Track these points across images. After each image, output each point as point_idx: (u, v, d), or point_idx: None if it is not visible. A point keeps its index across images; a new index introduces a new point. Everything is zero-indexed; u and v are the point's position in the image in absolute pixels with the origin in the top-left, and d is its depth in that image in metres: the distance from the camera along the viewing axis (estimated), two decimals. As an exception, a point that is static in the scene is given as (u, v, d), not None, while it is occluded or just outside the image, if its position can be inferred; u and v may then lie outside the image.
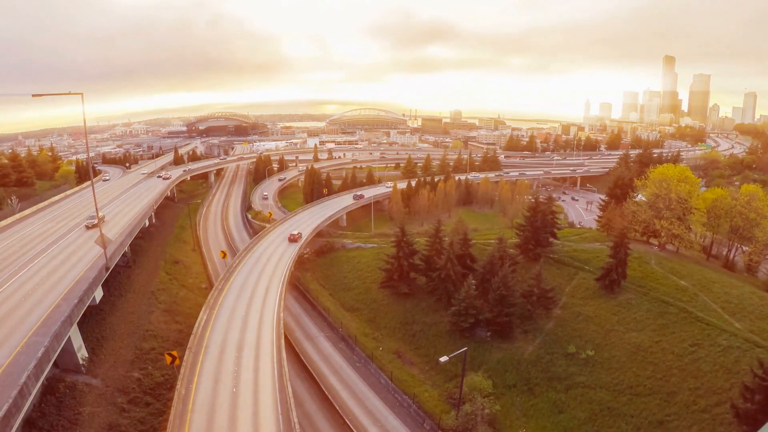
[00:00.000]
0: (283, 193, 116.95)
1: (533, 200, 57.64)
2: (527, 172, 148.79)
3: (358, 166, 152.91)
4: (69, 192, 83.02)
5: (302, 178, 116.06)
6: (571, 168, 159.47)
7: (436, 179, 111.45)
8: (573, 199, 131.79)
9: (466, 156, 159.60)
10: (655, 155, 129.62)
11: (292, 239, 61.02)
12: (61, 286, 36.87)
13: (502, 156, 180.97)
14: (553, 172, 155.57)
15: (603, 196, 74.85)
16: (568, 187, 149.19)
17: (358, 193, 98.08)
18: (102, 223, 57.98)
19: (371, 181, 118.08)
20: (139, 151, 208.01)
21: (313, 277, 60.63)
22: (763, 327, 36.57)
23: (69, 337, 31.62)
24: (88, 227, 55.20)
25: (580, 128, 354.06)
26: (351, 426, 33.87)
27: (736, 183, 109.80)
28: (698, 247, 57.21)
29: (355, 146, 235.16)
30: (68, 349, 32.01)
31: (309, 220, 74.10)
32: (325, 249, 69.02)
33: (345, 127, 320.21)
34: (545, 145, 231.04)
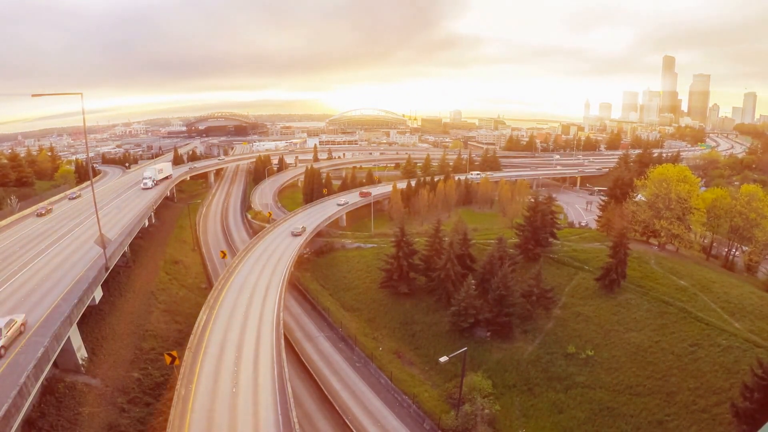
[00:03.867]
0: (283, 193, 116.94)
1: (533, 200, 57.66)
2: (523, 173, 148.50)
3: (358, 166, 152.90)
4: (69, 192, 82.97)
5: (302, 178, 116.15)
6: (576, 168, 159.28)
7: (435, 179, 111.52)
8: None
9: (465, 156, 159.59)
10: (655, 155, 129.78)
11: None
12: (60, 286, 36.89)
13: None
14: (549, 172, 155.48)
15: (602, 196, 74.90)
16: (568, 187, 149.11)
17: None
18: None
19: (371, 181, 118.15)
20: (139, 151, 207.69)
21: (313, 277, 60.66)
22: (762, 327, 36.60)
23: (68, 338, 31.64)
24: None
25: (580, 128, 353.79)
26: (351, 426, 33.91)
27: (736, 183, 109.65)
28: (698, 247, 57.29)
29: (355, 146, 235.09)
30: (68, 350, 32.01)
31: (308, 220, 74.12)
32: (325, 249, 69.03)
33: (345, 127, 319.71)
34: (545, 145, 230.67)
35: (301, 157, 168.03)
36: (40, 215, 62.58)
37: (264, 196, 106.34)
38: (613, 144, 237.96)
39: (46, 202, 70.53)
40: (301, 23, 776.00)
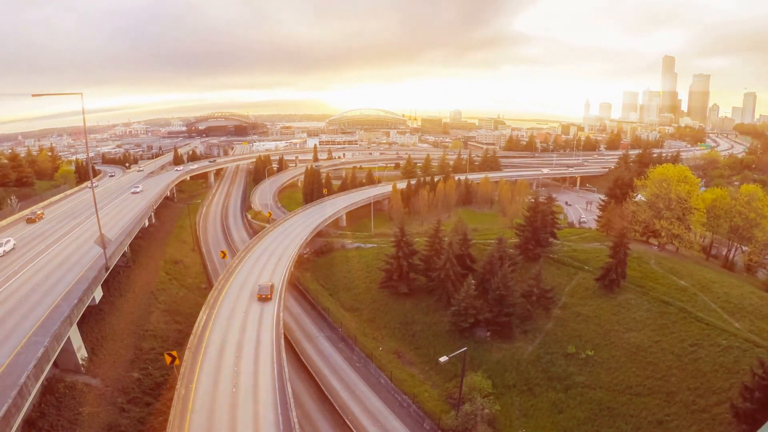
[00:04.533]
0: (283, 193, 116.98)
1: (533, 200, 57.66)
2: (523, 173, 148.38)
3: (358, 166, 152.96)
4: (69, 192, 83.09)
5: (302, 178, 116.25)
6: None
7: (435, 179, 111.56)
8: (567, 203, 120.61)
9: (465, 156, 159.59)
10: (655, 155, 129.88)
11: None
12: (60, 286, 36.90)
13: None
14: (549, 172, 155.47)
15: (602, 196, 74.92)
16: (568, 187, 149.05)
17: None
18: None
19: (371, 181, 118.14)
20: (139, 151, 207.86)
21: (313, 277, 60.66)
22: (762, 327, 36.61)
23: (69, 337, 31.67)
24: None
25: (580, 128, 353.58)
26: (351, 426, 33.91)
27: (736, 183, 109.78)
28: (698, 247, 57.26)
29: (355, 146, 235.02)
30: (68, 349, 32.04)
31: (308, 220, 74.10)
32: (325, 249, 69.04)
33: (345, 127, 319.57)
34: (545, 145, 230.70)
35: (301, 157, 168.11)
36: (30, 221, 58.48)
37: (264, 196, 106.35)
38: (613, 144, 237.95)
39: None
40: (345, 15, 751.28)
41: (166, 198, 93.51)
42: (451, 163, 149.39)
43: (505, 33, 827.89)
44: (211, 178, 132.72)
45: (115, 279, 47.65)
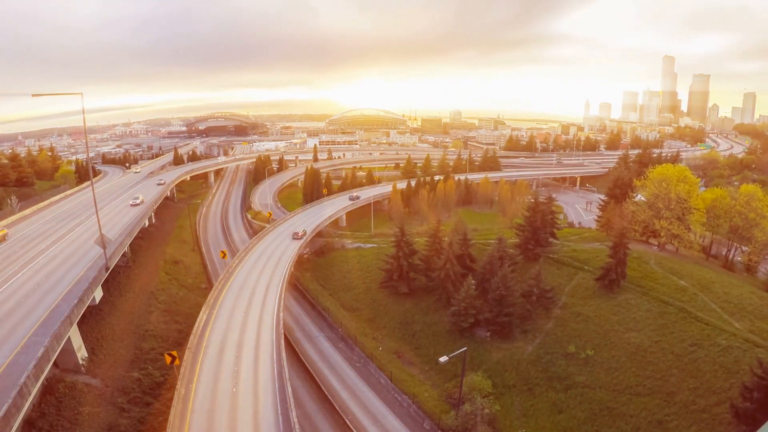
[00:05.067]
0: (283, 193, 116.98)
1: (533, 200, 57.65)
2: (523, 173, 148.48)
3: (358, 166, 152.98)
4: (69, 192, 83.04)
5: (302, 178, 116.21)
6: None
7: (435, 179, 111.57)
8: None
9: (465, 156, 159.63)
10: (655, 155, 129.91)
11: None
12: (60, 286, 36.90)
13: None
14: (549, 172, 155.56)
15: (602, 196, 74.89)
16: (568, 187, 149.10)
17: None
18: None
19: (371, 181, 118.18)
20: (139, 151, 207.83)
21: (313, 277, 60.67)
22: (762, 327, 36.62)
23: (69, 337, 31.66)
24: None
25: (580, 128, 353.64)
26: (351, 426, 33.94)
27: (736, 183, 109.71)
28: (698, 247, 57.24)
29: (355, 146, 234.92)
30: (68, 349, 32.03)
31: (308, 220, 74.12)
32: (324, 249, 69.03)
33: (345, 128, 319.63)
34: (545, 145, 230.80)
35: (301, 157, 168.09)
36: None
37: (264, 196, 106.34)
38: (613, 144, 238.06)
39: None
40: (389, 6, 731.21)
41: (166, 198, 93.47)
42: (451, 163, 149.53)
43: (539, 33, 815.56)
44: (211, 178, 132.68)
45: (115, 279, 47.63)
